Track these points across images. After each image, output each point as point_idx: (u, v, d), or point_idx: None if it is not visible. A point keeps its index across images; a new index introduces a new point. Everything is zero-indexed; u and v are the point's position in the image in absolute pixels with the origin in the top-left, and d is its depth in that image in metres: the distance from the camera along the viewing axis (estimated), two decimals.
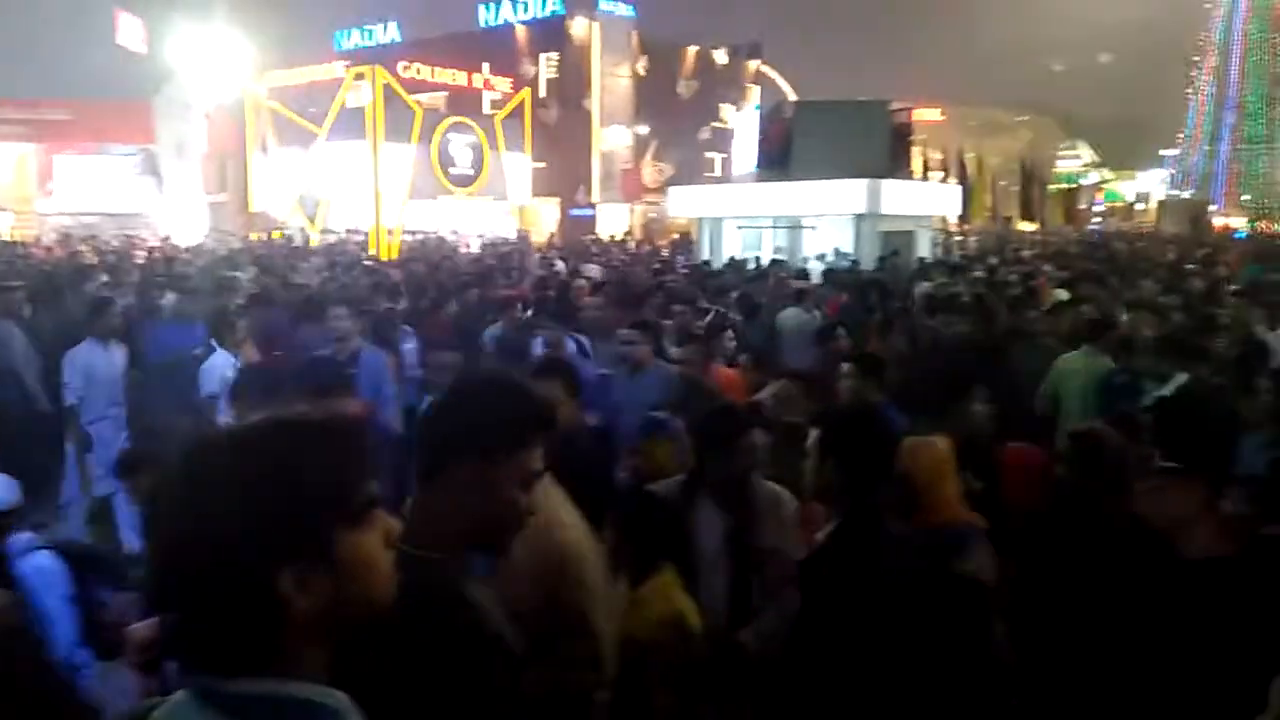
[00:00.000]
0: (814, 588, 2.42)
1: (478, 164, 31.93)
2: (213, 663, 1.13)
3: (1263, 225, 64.44)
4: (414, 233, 27.69)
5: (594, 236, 33.44)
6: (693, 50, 52.90)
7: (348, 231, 27.42)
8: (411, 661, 1.52)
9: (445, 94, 41.27)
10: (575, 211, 44.06)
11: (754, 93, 55.30)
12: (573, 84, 46.46)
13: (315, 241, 24.48)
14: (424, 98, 33.67)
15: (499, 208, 35.07)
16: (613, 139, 46.91)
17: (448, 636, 1.56)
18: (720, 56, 54.50)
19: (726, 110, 52.29)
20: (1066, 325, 7.37)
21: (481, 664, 1.59)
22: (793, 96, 52.08)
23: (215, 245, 20.84)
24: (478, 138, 31.92)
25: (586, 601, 2.30)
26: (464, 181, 31.52)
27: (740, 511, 2.83)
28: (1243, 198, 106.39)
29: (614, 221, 42.97)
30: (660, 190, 39.14)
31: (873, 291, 10.06)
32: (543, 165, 40.77)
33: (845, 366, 4.81)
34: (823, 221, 17.73)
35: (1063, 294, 9.92)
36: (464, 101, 40.37)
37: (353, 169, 27.25)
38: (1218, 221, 64.45)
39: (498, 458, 1.72)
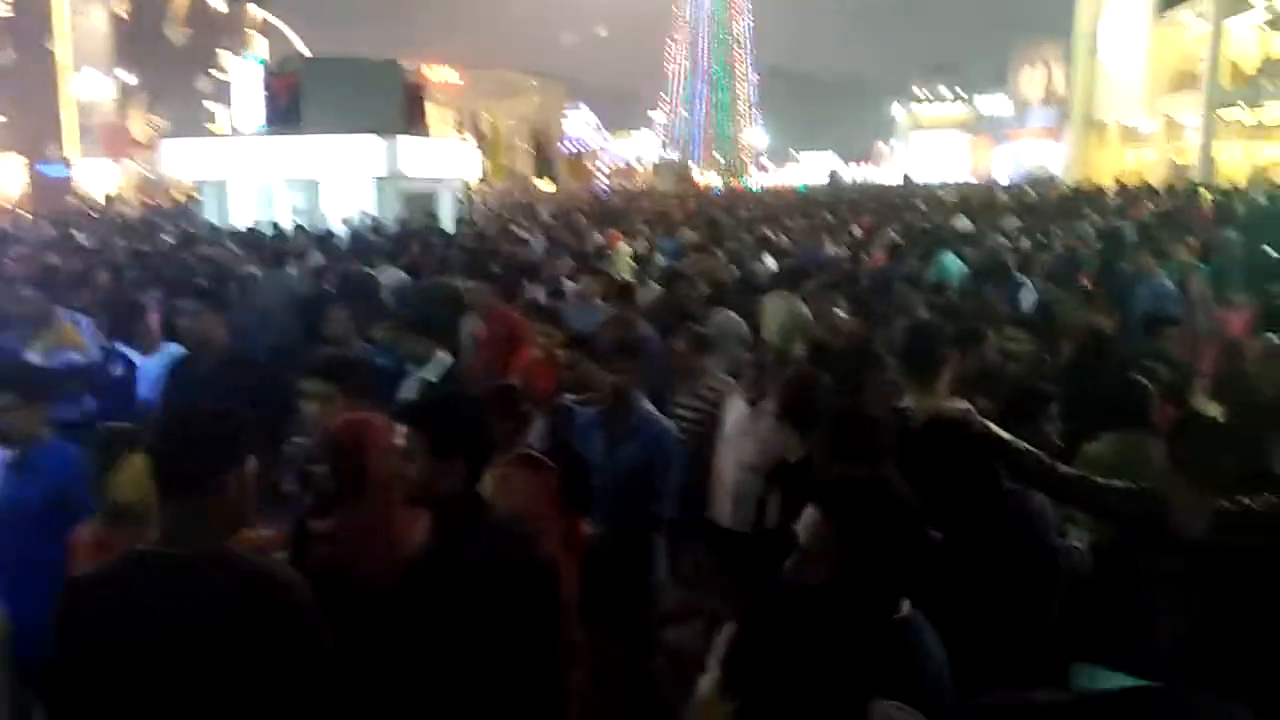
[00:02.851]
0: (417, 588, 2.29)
1: None
2: None
3: (734, 182, 75.04)
4: None
5: (75, 198, 29.04)
6: None
7: None
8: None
9: None
10: (45, 169, 37.87)
11: (258, 42, 51.59)
12: (33, 21, 39.77)
13: None
14: None
15: None
16: (89, 87, 40.94)
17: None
18: (217, 2, 50.09)
19: (228, 59, 48.12)
20: None
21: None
22: (304, 48, 49.47)
23: None
24: None
25: None
26: None
27: None
28: (717, 157, 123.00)
29: (99, 181, 37.67)
30: (154, 146, 35.05)
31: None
32: None
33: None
34: (343, 183, 17.17)
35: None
36: None
37: None
38: (699, 179, 73.87)
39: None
